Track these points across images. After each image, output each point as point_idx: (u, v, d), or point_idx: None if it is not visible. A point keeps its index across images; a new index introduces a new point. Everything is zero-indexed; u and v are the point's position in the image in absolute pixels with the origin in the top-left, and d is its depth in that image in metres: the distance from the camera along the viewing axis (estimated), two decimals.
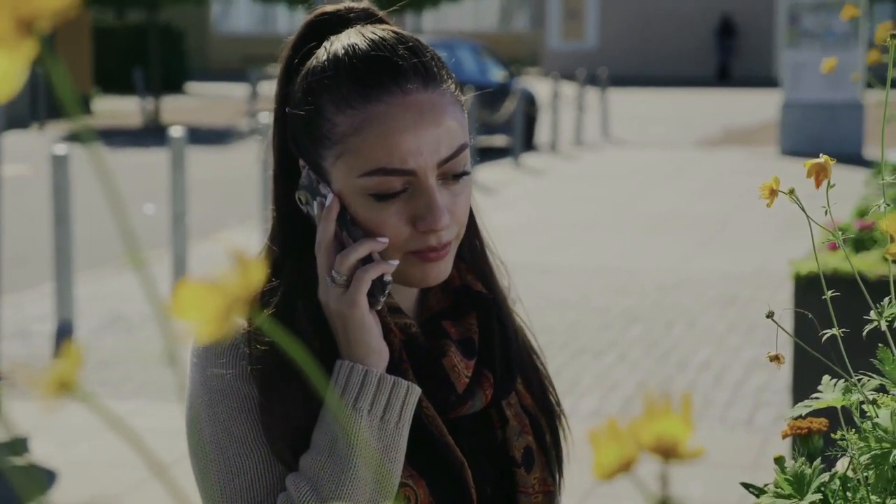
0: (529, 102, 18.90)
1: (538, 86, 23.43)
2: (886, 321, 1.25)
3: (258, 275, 0.57)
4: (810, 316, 1.34)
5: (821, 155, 1.28)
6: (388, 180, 1.42)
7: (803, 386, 4.12)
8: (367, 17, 1.52)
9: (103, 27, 31.42)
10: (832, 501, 1.22)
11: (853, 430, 1.22)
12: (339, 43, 1.47)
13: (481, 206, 1.61)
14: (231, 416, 1.45)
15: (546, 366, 1.67)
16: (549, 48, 39.36)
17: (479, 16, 43.44)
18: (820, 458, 1.27)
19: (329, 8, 1.53)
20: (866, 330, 1.25)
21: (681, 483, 5.10)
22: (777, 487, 1.23)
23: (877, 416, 1.22)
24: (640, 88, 32.72)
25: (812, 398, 1.27)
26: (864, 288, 1.27)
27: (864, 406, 1.25)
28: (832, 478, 1.23)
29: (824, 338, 1.27)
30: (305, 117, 1.46)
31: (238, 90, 30.10)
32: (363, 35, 1.46)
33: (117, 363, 7.17)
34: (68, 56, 24.55)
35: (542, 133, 20.06)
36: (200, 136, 19.16)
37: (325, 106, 1.44)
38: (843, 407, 1.25)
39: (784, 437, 1.34)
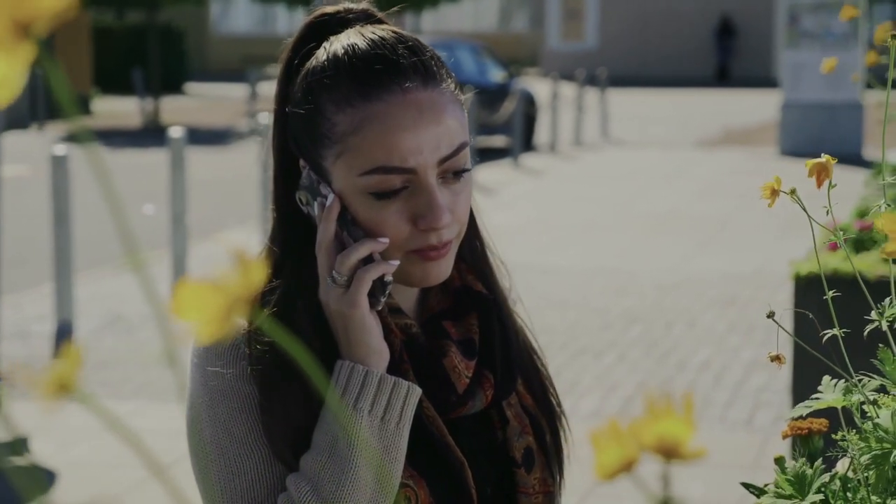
0: (529, 103, 18.90)
1: (538, 86, 23.43)
2: (887, 321, 1.25)
3: (258, 275, 0.57)
4: (811, 316, 1.34)
5: (822, 155, 1.28)
6: (388, 179, 1.42)
7: (803, 386, 4.12)
8: (366, 18, 1.52)
9: (103, 28, 31.45)
10: (833, 502, 1.22)
11: (854, 430, 1.22)
12: (338, 43, 1.47)
13: (481, 207, 1.61)
14: (231, 417, 1.45)
15: (546, 366, 1.67)
16: (548, 48, 39.36)
17: (479, 16, 43.44)
18: (821, 459, 1.26)
19: (328, 9, 1.53)
20: (867, 330, 1.25)
21: (681, 483, 5.10)
22: (778, 488, 1.23)
23: (877, 417, 1.22)
24: (640, 89, 32.73)
25: (812, 398, 1.27)
26: (864, 288, 1.27)
27: (865, 406, 1.25)
28: (833, 478, 1.23)
29: (825, 338, 1.27)
30: (305, 117, 1.46)
31: (237, 91, 30.11)
32: (363, 35, 1.46)
33: (117, 364, 7.17)
34: (68, 56, 24.53)
35: (541, 133, 20.06)
36: (200, 136, 19.17)
37: (324, 105, 1.44)
38: (843, 407, 1.25)
39: (784, 437, 1.34)
